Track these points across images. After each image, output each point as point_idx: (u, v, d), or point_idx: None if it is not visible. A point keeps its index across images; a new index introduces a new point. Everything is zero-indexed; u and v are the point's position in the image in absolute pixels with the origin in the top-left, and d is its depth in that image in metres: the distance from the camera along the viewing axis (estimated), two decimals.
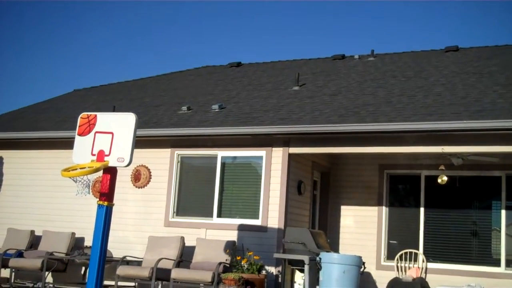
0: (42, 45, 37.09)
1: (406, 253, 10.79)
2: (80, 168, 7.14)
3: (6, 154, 12.46)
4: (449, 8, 35.48)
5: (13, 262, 10.58)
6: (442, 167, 10.92)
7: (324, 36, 37.78)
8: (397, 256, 10.86)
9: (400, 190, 11.95)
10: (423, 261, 10.84)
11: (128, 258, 10.32)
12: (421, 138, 9.31)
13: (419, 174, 11.48)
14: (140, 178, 11.20)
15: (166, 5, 37.62)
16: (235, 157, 10.83)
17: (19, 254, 10.81)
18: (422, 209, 11.34)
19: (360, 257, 9.04)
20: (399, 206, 11.81)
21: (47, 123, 12.84)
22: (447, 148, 9.26)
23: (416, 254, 10.82)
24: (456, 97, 10.24)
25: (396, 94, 10.98)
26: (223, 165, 10.76)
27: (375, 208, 11.61)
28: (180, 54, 38.95)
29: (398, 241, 11.47)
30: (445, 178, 10.96)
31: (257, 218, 10.20)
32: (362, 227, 11.67)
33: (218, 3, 37.66)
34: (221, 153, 10.74)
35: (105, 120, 7.40)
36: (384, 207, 11.59)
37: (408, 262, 10.79)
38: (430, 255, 11.02)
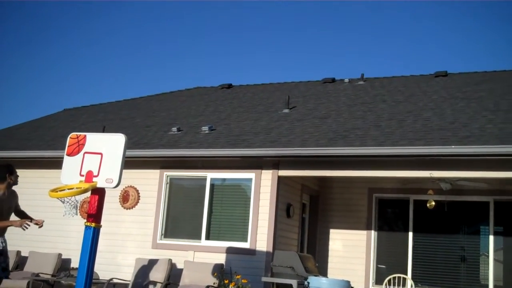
0: (36, 60, 37.11)
1: (394, 277, 10.77)
2: (68, 189, 7.07)
3: None
4: (439, 34, 35.92)
5: None
6: (430, 191, 10.96)
7: (314, 59, 38.07)
8: (386, 280, 10.83)
9: (389, 214, 11.96)
10: (411, 286, 10.81)
11: (115, 281, 10.21)
12: (410, 163, 9.35)
13: (408, 198, 11.51)
14: (128, 199, 11.15)
15: (158, 25, 37.83)
16: (224, 179, 10.82)
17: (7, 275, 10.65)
18: (410, 234, 11.35)
19: (348, 282, 9.00)
20: (388, 230, 11.82)
21: (37, 142, 12.79)
22: (436, 173, 9.30)
23: (404, 279, 10.80)
24: (444, 122, 10.32)
25: (385, 119, 11.05)
26: (212, 186, 10.74)
27: (364, 232, 11.61)
28: (172, 75, 39.06)
29: (387, 266, 11.45)
30: (433, 203, 10.99)
31: (246, 241, 10.17)
32: (350, 251, 11.65)
33: (210, 25, 37.92)
34: (211, 175, 10.73)
35: (94, 140, 7.36)
36: (373, 231, 11.59)
37: (396, 287, 10.76)
38: (419, 280, 11.00)
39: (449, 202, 11.19)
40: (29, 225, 7.48)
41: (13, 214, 7.96)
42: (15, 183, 7.94)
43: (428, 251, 11.33)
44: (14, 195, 7.98)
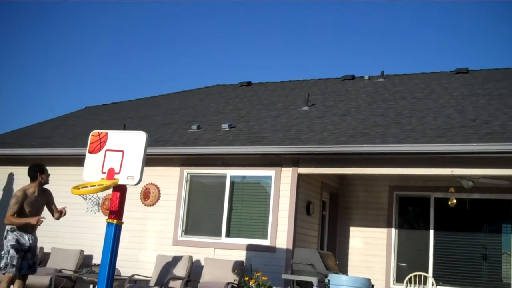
0: (57, 59, 37.48)
1: (415, 276, 10.71)
2: (90, 186, 7.15)
3: (16, 170, 12.53)
4: (460, 30, 35.57)
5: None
6: (452, 189, 10.88)
7: (334, 56, 37.93)
8: (406, 279, 10.78)
9: (409, 212, 11.89)
10: (432, 285, 10.74)
11: (136, 277, 10.30)
12: (431, 160, 9.29)
13: (429, 196, 11.44)
14: (149, 196, 11.22)
15: (178, 23, 37.98)
16: (244, 177, 10.84)
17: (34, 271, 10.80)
18: (431, 232, 11.28)
19: (369, 280, 8.97)
20: (409, 228, 11.76)
21: (59, 140, 12.93)
22: (457, 170, 9.23)
23: (425, 277, 10.74)
24: (465, 120, 10.23)
25: (405, 116, 10.99)
26: (232, 184, 10.77)
27: (384, 230, 11.56)
28: (191, 73, 39.19)
29: (408, 264, 11.39)
30: (454, 201, 10.91)
31: (266, 238, 10.18)
32: (371, 248, 11.61)
33: (229, 23, 37.97)
34: (230, 172, 10.76)
35: (116, 138, 7.43)
36: (393, 229, 11.54)
37: (417, 285, 10.70)
38: (440, 278, 10.93)
39: (470, 200, 11.10)
40: (43, 220, 7.64)
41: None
42: (46, 182, 8.08)
43: (449, 249, 11.25)
44: (46, 194, 8.12)
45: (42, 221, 7.64)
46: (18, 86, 37.69)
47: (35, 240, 7.94)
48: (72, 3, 34.08)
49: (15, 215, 7.66)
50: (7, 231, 7.74)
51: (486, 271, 11.01)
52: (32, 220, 7.68)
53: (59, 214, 7.88)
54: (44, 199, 8.06)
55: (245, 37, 38.61)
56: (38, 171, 7.99)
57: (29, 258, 7.84)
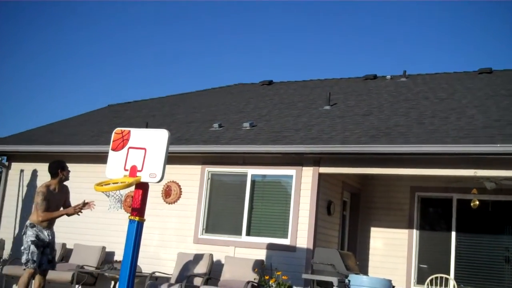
0: (84, 60, 37.88)
1: (436, 277, 10.63)
2: (113, 183, 7.22)
3: (40, 167, 12.68)
4: (483, 30, 35.15)
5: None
6: (474, 191, 10.77)
7: (355, 56, 37.74)
8: (428, 280, 10.70)
9: (431, 213, 11.80)
10: (454, 287, 10.65)
11: (157, 274, 10.37)
12: (454, 161, 9.20)
13: (451, 197, 11.34)
14: (170, 194, 11.29)
15: (199, 22, 38.09)
16: (265, 175, 10.85)
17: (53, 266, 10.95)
18: (453, 233, 11.18)
19: (389, 281, 8.92)
20: (430, 230, 11.66)
21: (82, 137, 13.07)
22: (480, 171, 9.13)
23: (447, 280, 10.65)
24: (489, 120, 10.12)
25: (428, 116, 10.90)
26: (253, 183, 10.79)
27: (406, 231, 11.49)
28: (212, 71, 39.31)
29: (429, 265, 11.31)
30: (477, 202, 10.80)
31: (286, 237, 10.18)
32: (392, 249, 11.55)
33: (251, 22, 37.98)
34: (251, 171, 10.77)
35: (138, 135, 7.49)
36: (414, 230, 11.46)
37: (438, 287, 10.62)
38: (461, 281, 10.83)
39: (493, 201, 10.98)
40: (82, 210, 7.75)
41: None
42: (67, 178, 8.19)
43: (471, 252, 11.14)
44: (65, 190, 8.22)
45: (82, 211, 7.78)
46: (44, 83, 38.18)
47: (53, 235, 8.05)
48: (100, 2, 34.41)
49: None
50: (26, 226, 7.85)
51: (508, 274, 10.88)
52: (70, 211, 7.82)
53: (87, 207, 7.92)
54: (64, 195, 8.17)
55: (266, 36, 38.61)
56: (58, 168, 8.09)
57: (48, 253, 7.94)
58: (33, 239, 7.73)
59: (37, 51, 37.02)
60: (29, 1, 32.53)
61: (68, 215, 8.00)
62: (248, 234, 10.59)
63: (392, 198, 11.82)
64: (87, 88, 39.08)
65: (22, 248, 7.80)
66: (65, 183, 8.23)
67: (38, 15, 35.31)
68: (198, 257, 10.32)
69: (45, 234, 7.86)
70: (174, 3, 36.23)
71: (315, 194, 10.13)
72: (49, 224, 7.97)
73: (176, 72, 39.91)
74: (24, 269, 7.79)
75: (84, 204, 7.84)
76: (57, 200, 8.04)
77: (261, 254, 10.16)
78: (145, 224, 7.49)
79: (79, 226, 11.71)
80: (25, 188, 12.88)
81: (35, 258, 7.70)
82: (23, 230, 7.93)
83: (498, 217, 11.05)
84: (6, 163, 13.32)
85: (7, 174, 13.26)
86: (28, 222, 7.87)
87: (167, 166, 7.32)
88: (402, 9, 35.39)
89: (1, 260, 12.27)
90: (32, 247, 7.70)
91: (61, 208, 8.13)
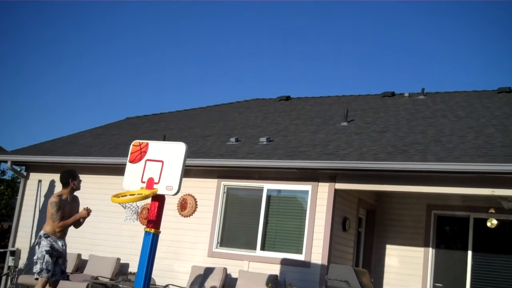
0: (100, 71, 38.29)
1: None
2: (130, 195, 7.25)
3: (58, 177, 12.70)
4: (503, 49, 34.96)
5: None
6: (492, 210, 10.67)
7: (373, 73, 37.70)
8: None
9: (447, 232, 11.70)
10: None
11: (171, 287, 10.38)
12: (471, 180, 9.14)
13: (468, 216, 11.24)
14: (186, 207, 11.32)
15: (218, 37, 38.35)
16: (280, 191, 10.85)
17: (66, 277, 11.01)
18: (470, 253, 11.06)
19: None
20: (446, 248, 11.55)
21: (100, 149, 13.17)
22: (498, 191, 9.05)
23: None
24: (507, 139, 10.05)
25: (446, 134, 10.85)
26: (268, 197, 10.79)
27: (421, 249, 11.39)
28: (230, 86, 39.49)
29: (444, 285, 11.19)
30: (494, 222, 10.69)
31: (301, 253, 10.14)
32: (407, 267, 11.45)
33: (269, 37, 38.15)
34: (267, 186, 10.78)
35: (156, 148, 7.53)
36: (430, 248, 11.36)
37: None
38: None
39: (510, 221, 10.85)
40: (90, 210, 7.88)
41: None
42: (78, 188, 8.22)
43: (488, 271, 11.00)
44: (76, 201, 8.26)
45: (90, 211, 7.87)
46: (63, 96, 38.61)
47: (66, 246, 8.10)
48: (120, 13, 34.79)
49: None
50: (40, 236, 7.89)
51: None
52: (82, 214, 7.90)
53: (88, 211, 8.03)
54: (75, 205, 8.21)
55: (284, 51, 38.73)
56: (70, 177, 8.13)
57: (61, 264, 7.99)
58: (48, 249, 7.78)
59: (55, 64, 37.53)
60: (56, 15, 33.01)
61: (83, 218, 8.04)
62: (262, 248, 10.57)
63: (408, 216, 11.73)
64: (104, 101, 39.47)
65: (35, 257, 7.84)
66: (75, 193, 8.28)
67: (67, 26, 35.82)
68: (212, 271, 10.31)
69: (59, 245, 7.91)
70: (195, 19, 36.54)
71: (331, 210, 10.09)
72: (62, 234, 8.02)
73: (194, 87, 40.16)
74: (37, 279, 7.83)
75: (87, 209, 7.95)
76: (70, 209, 8.09)
77: (275, 269, 10.13)
78: (160, 236, 7.51)
79: (95, 237, 11.78)
80: (42, 199, 12.99)
81: (49, 268, 7.75)
82: (36, 240, 7.98)
83: None
84: (25, 173, 13.46)
85: (25, 184, 13.41)
86: (42, 233, 7.92)
87: (183, 179, 7.35)
88: (423, 27, 35.37)
89: (17, 269, 12.37)
90: (47, 257, 7.75)
91: None
